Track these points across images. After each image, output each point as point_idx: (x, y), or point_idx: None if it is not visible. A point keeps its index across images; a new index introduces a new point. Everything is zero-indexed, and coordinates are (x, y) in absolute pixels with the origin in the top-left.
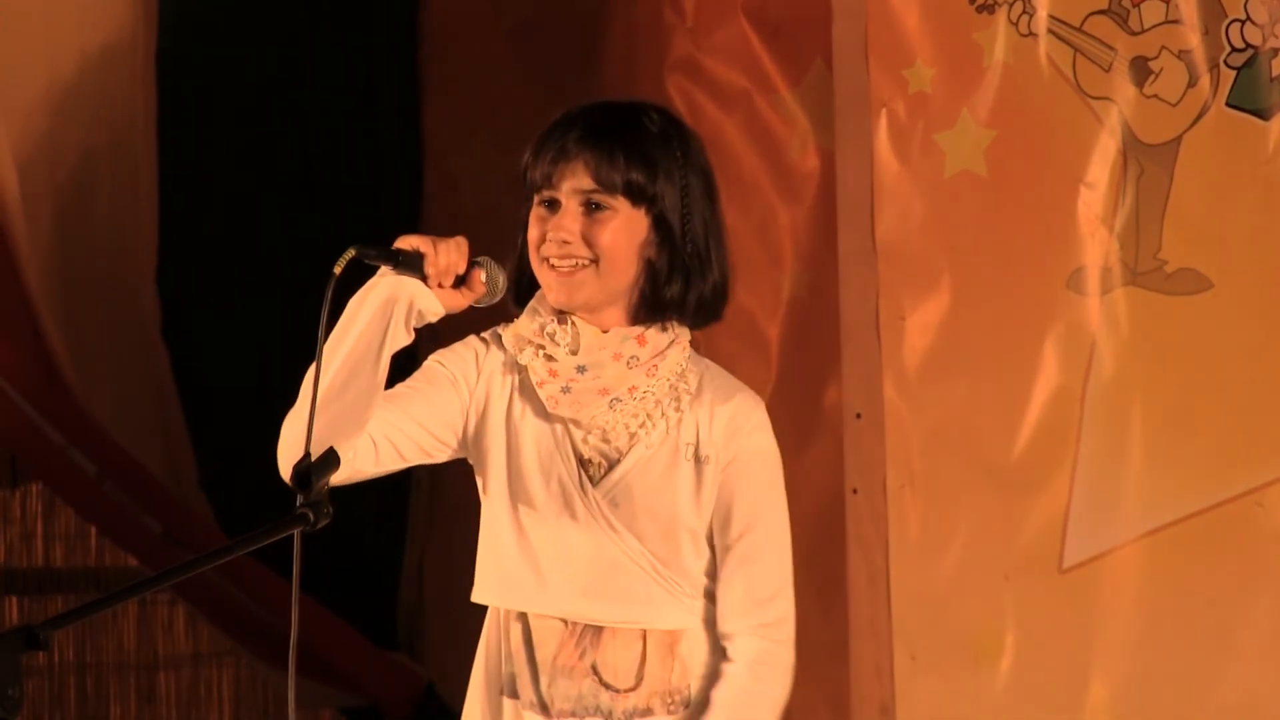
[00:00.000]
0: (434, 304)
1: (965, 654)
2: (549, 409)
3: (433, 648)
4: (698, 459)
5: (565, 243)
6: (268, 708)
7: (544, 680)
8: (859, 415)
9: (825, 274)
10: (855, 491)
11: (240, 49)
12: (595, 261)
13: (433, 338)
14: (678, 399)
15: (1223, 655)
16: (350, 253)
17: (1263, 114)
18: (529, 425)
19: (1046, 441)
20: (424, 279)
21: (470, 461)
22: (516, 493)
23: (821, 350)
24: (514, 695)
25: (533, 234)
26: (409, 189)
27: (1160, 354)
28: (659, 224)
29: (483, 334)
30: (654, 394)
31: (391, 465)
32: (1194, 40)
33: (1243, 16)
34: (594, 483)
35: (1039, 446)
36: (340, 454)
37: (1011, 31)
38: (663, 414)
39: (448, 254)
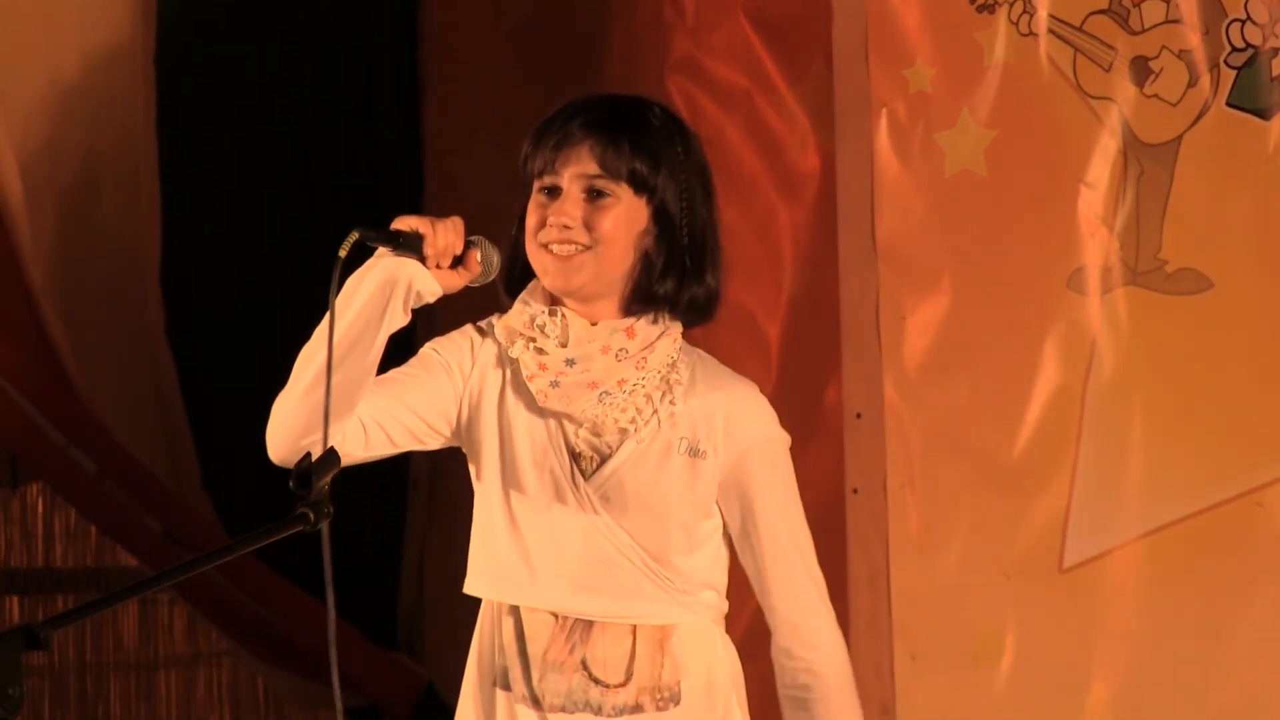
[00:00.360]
0: (432, 285)
1: (965, 654)
2: (539, 403)
3: (432, 647)
4: (693, 453)
5: (566, 227)
6: (267, 708)
7: (535, 674)
8: (859, 415)
9: (825, 274)
10: (855, 491)
11: (240, 49)
12: (593, 248)
13: (429, 326)
14: (670, 391)
15: (1223, 655)
16: (354, 235)
17: (1263, 114)
18: (522, 418)
19: (1047, 441)
20: (422, 260)
21: (464, 451)
22: (509, 486)
23: (822, 350)
24: (507, 688)
25: (531, 220)
26: (409, 189)
27: (1160, 354)
28: (659, 216)
29: (479, 324)
30: (644, 387)
31: (381, 450)
32: (1194, 40)
33: (1243, 16)
34: (585, 477)
35: (1039, 446)
36: (331, 435)
37: (1012, 31)
38: (654, 407)
39: (446, 235)
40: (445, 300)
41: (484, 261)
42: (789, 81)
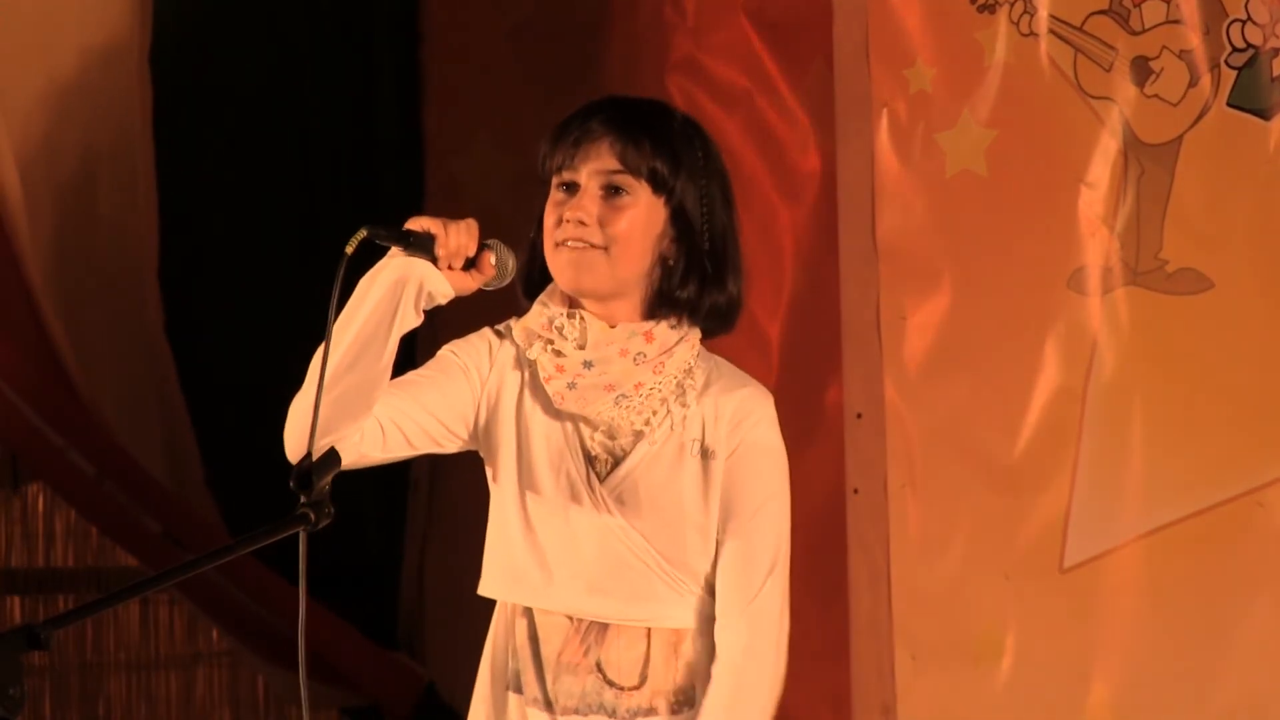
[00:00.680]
0: (444, 286)
1: (966, 653)
2: (555, 404)
3: (433, 647)
4: (704, 454)
5: (581, 223)
6: (267, 707)
7: (549, 677)
8: (860, 415)
9: (826, 274)
10: (856, 491)
11: (240, 49)
12: (607, 248)
13: (440, 325)
14: (683, 395)
15: (1223, 654)
16: (362, 233)
17: (1263, 114)
18: (539, 421)
19: (1047, 441)
20: (434, 260)
21: (480, 453)
22: (525, 488)
23: (822, 350)
24: (519, 690)
25: (549, 219)
26: (410, 189)
27: (1161, 354)
28: (676, 218)
29: (497, 326)
30: (660, 391)
31: (399, 452)
32: (1195, 40)
33: (1243, 16)
34: (600, 479)
35: (1040, 446)
36: (346, 434)
37: (1012, 31)
38: (668, 411)
39: (458, 236)
40: (460, 301)
41: (498, 265)
42: (790, 81)
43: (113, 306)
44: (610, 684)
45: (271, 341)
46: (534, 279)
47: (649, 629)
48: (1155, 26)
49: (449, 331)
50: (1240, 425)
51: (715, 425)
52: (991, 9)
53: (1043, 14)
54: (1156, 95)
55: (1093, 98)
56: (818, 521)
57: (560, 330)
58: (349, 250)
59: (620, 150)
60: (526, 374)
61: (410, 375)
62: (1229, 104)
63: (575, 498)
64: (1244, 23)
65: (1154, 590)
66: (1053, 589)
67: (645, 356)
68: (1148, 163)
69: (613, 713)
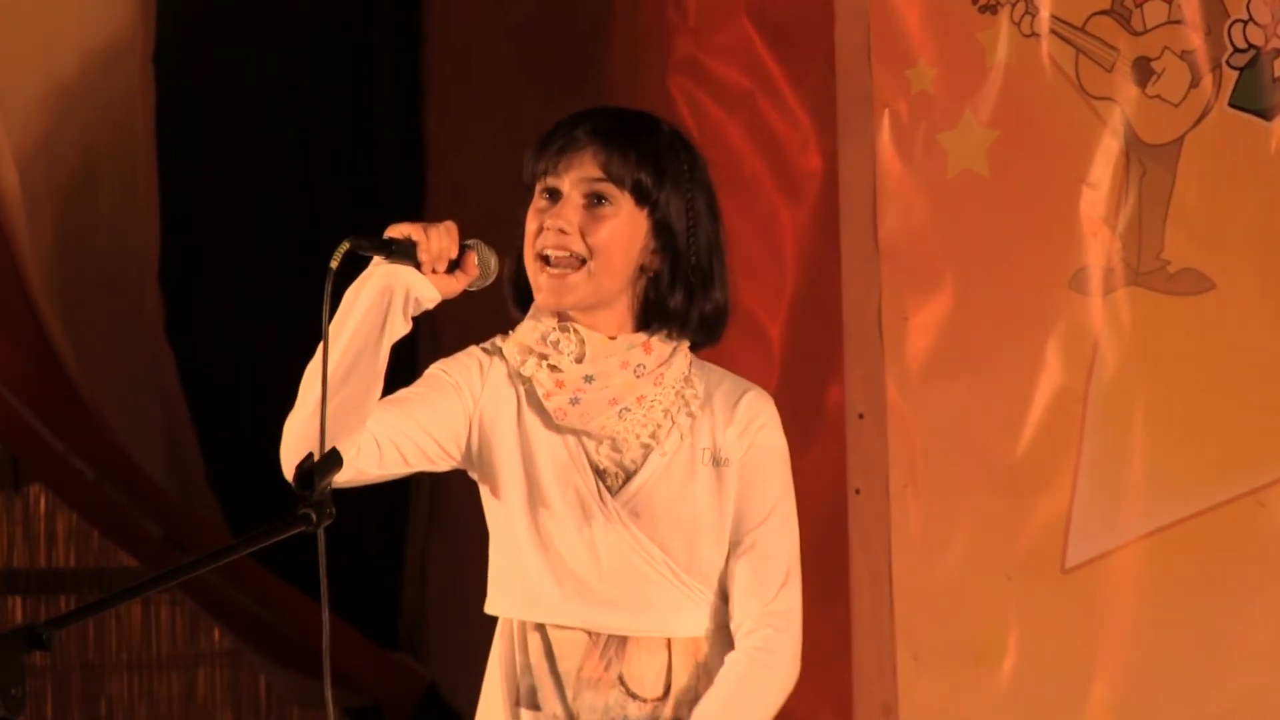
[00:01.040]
0: (430, 290)
1: (968, 654)
2: (556, 420)
3: (434, 648)
4: (716, 462)
5: (562, 232)
6: (268, 708)
7: (569, 693)
8: (861, 415)
9: (827, 274)
10: (858, 492)
11: (241, 49)
12: (586, 262)
13: (432, 341)
14: (687, 405)
15: (1225, 655)
16: (345, 245)
17: (1265, 114)
18: (540, 437)
19: (1049, 442)
20: (418, 266)
21: (473, 474)
22: (535, 505)
23: (824, 350)
24: (534, 708)
25: (530, 225)
26: (411, 190)
27: (1162, 354)
28: (659, 230)
29: (484, 344)
30: (661, 403)
31: (395, 469)
32: (1196, 40)
33: (1245, 17)
34: (612, 493)
35: (1041, 447)
36: (343, 450)
37: (1014, 32)
38: (673, 421)
39: (439, 239)
40: (452, 309)
41: (481, 264)
42: (791, 82)
43: (113, 306)
44: (634, 696)
45: (272, 341)
46: (523, 287)
47: (669, 639)
48: (1157, 27)
49: (451, 333)
50: (1241, 425)
51: (725, 432)
52: (993, 9)
53: (1044, 14)
54: (1158, 96)
55: (1094, 98)
56: (819, 522)
57: (555, 344)
58: (333, 265)
59: (604, 160)
60: (521, 390)
61: (402, 393)
62: (1230, 104)
63: (586, 512)
64: (1245, 23)
65: (1155, 590)
66: (1054, 589)
67: (645, 368)
68: (1149, 163)
69: None
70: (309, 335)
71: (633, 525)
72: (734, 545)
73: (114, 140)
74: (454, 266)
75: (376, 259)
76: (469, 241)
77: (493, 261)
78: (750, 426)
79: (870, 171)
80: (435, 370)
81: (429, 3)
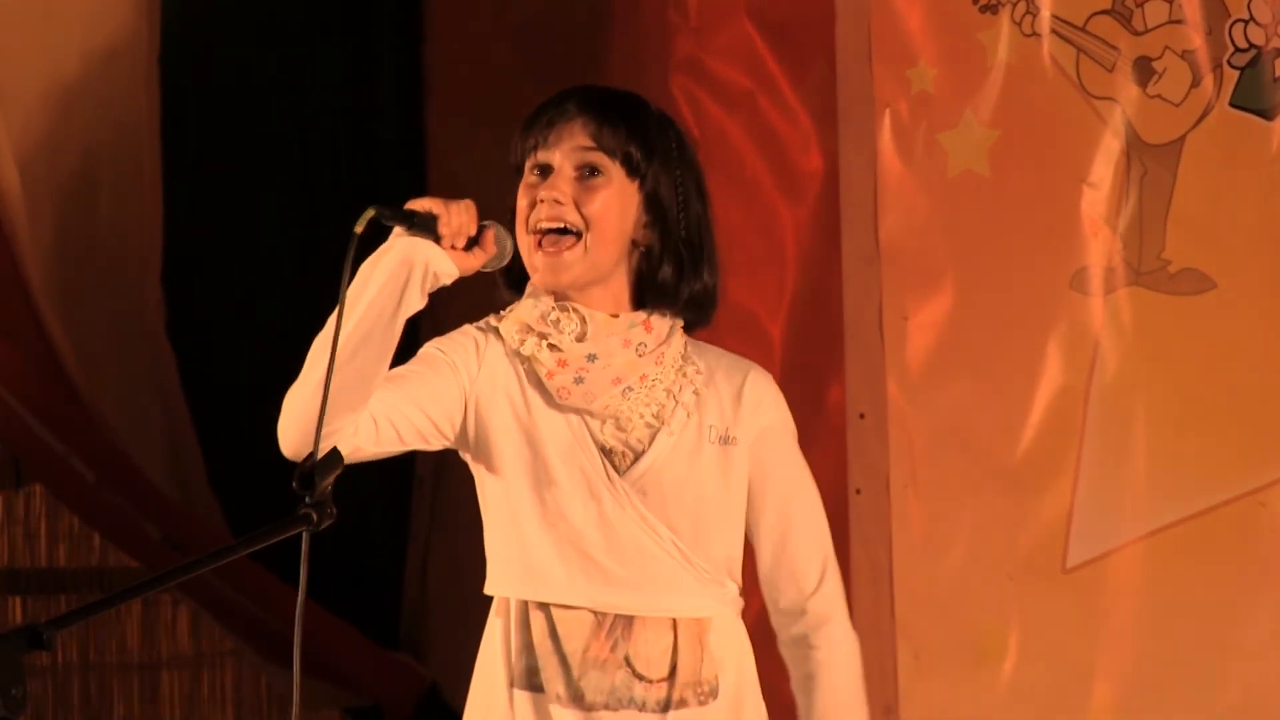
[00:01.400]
0: (449, 265)
1: (969, 654)
2: (559, 400)
3: (435, 648)
4: (724, 440)
5: (557, 202)
6: (270, 708)
7: (575, 673)
8: (862, 415)
9: (828, 274)
10: (858, 492)
11: (242, 49)
12: (581, 235)
13: (433, 326)
14: (691, 382)
15: (1226, 655)
16: (370, 212)
17: (1266, 114)
18: (542, 416)
19: (1050, 442)
20: (437, 240)
21: (465, 455)
22: (539, 484)
23: (825, 350)
24: (534, 689)
25: (522, 202)
26: (412, 188)
27: (1163, 354)
28: (650, 204)
29: (478, 324)
30: (663, 382)
31: (390, 447)
32: (1197, 40)
33: (1246, 16)
34: (620, 472)
35: (1042, 447)
36: (342, 428)
37: (1015, 31)
38: (676, 400)
39: (459, 215)
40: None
41: (499, 242)
42: (792, 82)
43: (113, 306)
44: (640, 677)
45: (273, 341)
46: (514, 270)
47: (674, 620)
48: (1158, 27)
49: (453, 324)
50: (1243, 425)
51: (731, 410)
52: (994, 9)
53: (1045, 14)
54: (1159, 95)
55: (1095, 98)
56: None
57: (556, 323)
58: (358, 229)
59: (595, 130)
60: (520, 369)
61: (398, 371)
62: (1231, 104)
63: (593, 491)
64: (1246, 23)
65: (1157, 590)
66: (1055, 589)
67: (646, 347)
68: (1150, 163)
69: (643, 706)
70: (311, 335)
71: (641, 504)
72: (769, 527)
73: (115, 140)
74: (471, 244)
75: (397, 231)
76: (485, 222)
77: (509, 242)
78: (760, 405)
79: (871, 171)
80: (430, 349)
81: (430, 2)
